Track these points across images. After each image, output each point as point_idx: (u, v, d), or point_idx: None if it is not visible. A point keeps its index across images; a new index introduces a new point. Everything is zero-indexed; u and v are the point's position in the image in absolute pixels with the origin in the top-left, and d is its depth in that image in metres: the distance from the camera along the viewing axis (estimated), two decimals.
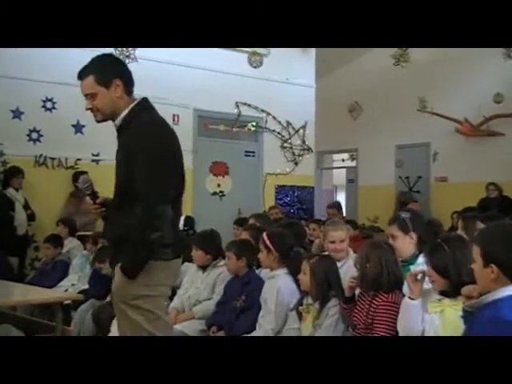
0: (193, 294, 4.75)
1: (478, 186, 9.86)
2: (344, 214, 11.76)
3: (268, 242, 4.19)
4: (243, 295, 4.30)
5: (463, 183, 10.75)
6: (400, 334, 3.18)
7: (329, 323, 3.63)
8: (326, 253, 4.24)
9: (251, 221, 5.89)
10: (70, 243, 7.07)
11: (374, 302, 3.41)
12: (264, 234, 4.28)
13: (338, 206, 8.83)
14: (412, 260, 3.82)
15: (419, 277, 3.09)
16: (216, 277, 4.72)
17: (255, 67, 9.68)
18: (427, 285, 3.17)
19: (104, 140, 7.87)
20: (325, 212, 9.29)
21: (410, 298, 3.11)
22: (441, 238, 3.26)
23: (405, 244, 3.88)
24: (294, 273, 4.00)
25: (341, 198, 15.21)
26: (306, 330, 3.72)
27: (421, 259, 3.71)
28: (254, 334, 4.05)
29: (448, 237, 3.29)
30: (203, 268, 4.83)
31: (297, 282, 3.96)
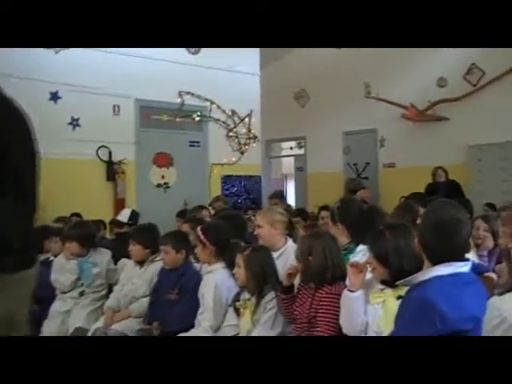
0: (129, 291, 4.54)
1: (425, 171, 9.87)
2: (292, 203, 11.71)
3: (202, 237, 4.02)
4: (177, 288, 4.14)
5: (411, 168, 10.77)
6: (343, 328, 3.07)
7: (267, 317, 3.49)
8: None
9: (193, 213, 5.71)
10: None
11: (316, 294, 3.27)
12: (198, 228, 4.11)
13: (279, 195, 8.64)
14: (351, 249, 3.73)
15: (362, 268, 2.98)
16: (154, 272, 4.50)
17: (193, 53, 9.39)
18: (369, 274, 3.06)
19: (40, 133, 7.69)
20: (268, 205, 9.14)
21: (349, 290, 2.99)
22: (384, 225, 3.15)
23: (337, 234, 3.84)
24: (232, 267, 3.84)
25: (291, 186, 15.12)
26: (245, 326, 3.56)
27: (360, 248, 3.64)
28: (192, 332, 3.88)
29: (391, 224, 3.17)
30: (140, 263, 4.63)
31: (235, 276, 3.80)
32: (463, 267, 2.31)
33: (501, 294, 2.68)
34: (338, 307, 3.13)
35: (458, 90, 10.12)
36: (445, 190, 9.15)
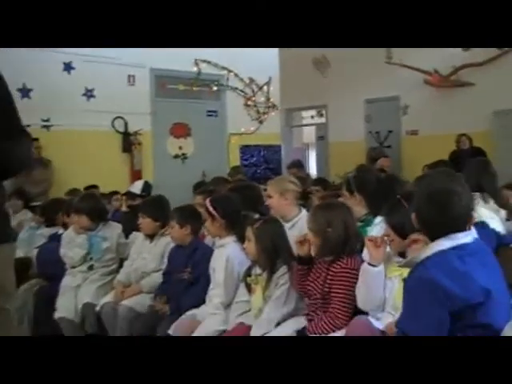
0: (140, 266, 4.40)
1: (449, 138, 9.63)
2: (313, 173, 11.52)
3: (211, 209, 3.84)
4: (189, 266, 3.97)
5: (434, 136, 10.52)
6: (358, 303, 2.93)
7: (279, 293, 3.33)
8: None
9: (212, 185, 5.55)
10: (23, 215, 6.68)
11: (331, 268, 3.09)
12: (207, 201, 3.93)
13: (298, 164, 8.44)
14: (368, 221, 3.57)
15: (381, 242, 2.83)
16: (164, 246, 4.36)
17: None
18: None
19: (54, 105, 7.57)
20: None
21: (370, 264, 2.84)
22: (400, 194, 2.98)
23: (353, 204, 3.67)
24: (244, 240, 3.68)
25: (312, 155, 14.91)
26: (257, 302, 3.41)
27: (378, 220, 3.48)
28: (202, 309, 3.77)
29: (408, 193, 2.97)
30: (151, 237, 4.49)
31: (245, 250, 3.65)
32: (465, 237, 2.16)
33: None
34: (354, 282, 2.99)
35: (483, 55, 9.77)
36: (469, 157, 8.89)
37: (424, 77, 10.64)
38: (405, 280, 2.44)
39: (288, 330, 3.17)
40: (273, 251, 3.39)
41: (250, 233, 3.44)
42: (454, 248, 2.12)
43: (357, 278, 2.97)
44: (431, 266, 2.09)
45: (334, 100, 12.18)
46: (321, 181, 7.27)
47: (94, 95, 8.10)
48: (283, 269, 3.37)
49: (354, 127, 11.93)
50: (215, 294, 3.71)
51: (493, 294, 2.05)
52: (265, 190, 8.29)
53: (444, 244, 2.13)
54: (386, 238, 2.85)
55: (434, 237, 2.18)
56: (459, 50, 10.00)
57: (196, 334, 3.55)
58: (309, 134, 14.90)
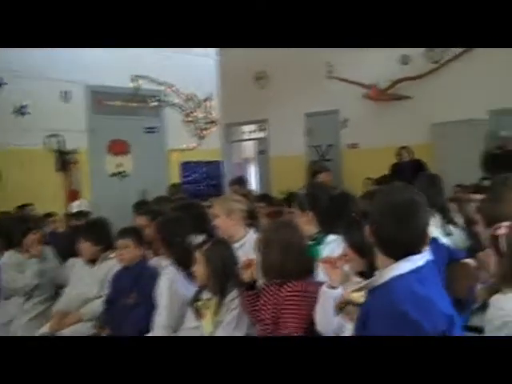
0: (80, 293, 4.16)
1: (389, 151, 9.66)
2: (254, 188, 11.42)
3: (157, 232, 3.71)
4: (134, 290, 3.77)
5: (374, 149, 10.56)
6: (317, 326, 2.79)
7: (230, 318, 3.18)
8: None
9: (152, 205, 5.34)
10: None
11: (280, 292, 2.95)
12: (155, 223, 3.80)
13: (239, 181, 8.31)
14: (320, 240, 3.44)
15: (338, 262, 2.69)
16: (107, 271, 4.13)
17: None
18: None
19: None
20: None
21: (329, 286, 2.69)
22: (357, 211, 2.86)
23: (304, 223, 3.59)
24: (183, 264, 3.55)
25: (253, 170, 14.81)
26: (207, 328, 3.23)
27: (330, 238, 3.39)
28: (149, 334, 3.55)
29: (366, 211, 2.86)
30: (92, 262, 4.26)
31: (187, 274, 3.50)
32: (421, 260, 2.02)
33: (490, 287, 2.42)
34: (305, 305, 2.87)
35: (420, 69, 9.90)
36: (410, 169, 8.98)
37: (363, 91, 10.70)
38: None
39: None
40: (223, 274, 3.24)
41: (199, 255, 3.26)
42: (412, 272, 1.98)
43: (309, 302, 2.85)
44: (396, 295, 1.93)
45: (274, 114, 12.11)
46: (265, 197, 7.13)
47: (27, 112, 7.75)
48: (234, 293, 3.22)
49: (294, 141, 11.87)
50: (159, 317, 3.52)
51: (455, 320, 1.93)
52: (208, 207, 8.13)
53: (404, 266, 1.99)
54: (344, 257, 2.71)
55: (391, 256, 2.02)
56: (397, 63, 10.12)
57: None
58: (249, 149, 14.78)
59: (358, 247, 2.66)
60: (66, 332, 3.94)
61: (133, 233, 4.01)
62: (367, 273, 2.65)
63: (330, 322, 2.71)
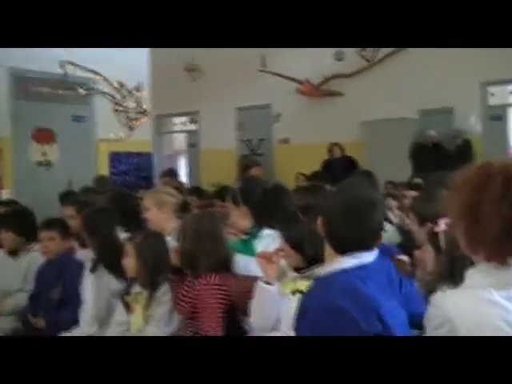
0: (1, 286, 3.95)
1: (321, 147, 9.75)
2: (185, 181, 11.27)
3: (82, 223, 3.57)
4: (59, 284, 3.61)
5: (306, 144, 10.62)
6: (252, 323, 2.74)
7: (161, 312, 3.09)
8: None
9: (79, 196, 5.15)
10: None
11: (195, 284, 2.91)
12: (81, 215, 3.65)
13: (170, 173, 8.20)
14: (254, 234, 3.38)
15: (275, 257, 2.64)
16: (30, 263, 3.97)
17: None
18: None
19: None
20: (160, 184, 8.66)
21: (265, 282, 2.64)
22: (296, 206, 2.81)
23: (237, 216, 3.51)
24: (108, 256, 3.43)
25: (183, 163, 14.64)
26: (136, 322, 3.12)
27: (266, 233, 3.33)
28: (76, 331, 3.40)
29: (304, 206, 2.81)
30: (14, 253, 4.06)
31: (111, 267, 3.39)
32: (369, 257, 1.98)
33: (427, 284, 2.41)
34: (221, 299, 2.85)
35: (352, 66, 10.02)
36: (341, 166, 9.10)
37: (296, 86, 10.72)
38: (297, 292, 2.34)
39: None
40: (154, 267, 3.13)
41: (129, 248, 3.14)
42: (357, 268, 1.94)
43: (223, 296, 2.85)
44: (337, 290, 1.88)
45: (206, 107, 12.00)
46: (196, 190, 7.06)
47: None
48: (165, 287, 3.12)
49: (225, 135, 11.80)
50: (85, 309, 3.39)
51: (390, 324, 1.88)
52: (138, 199, 7.94)
53: (349, 262, 1.95)
54: (280, 252, 2.65)
55: (340, 251, 1.98)
56: (331, 59, 10.19)
57: None
58: (180, 141, 14.60)
59: (295, 242, 2.59)
60: None
61: (58, 224, 3.86)
62: (304, 268, 2.61)
63: (267, 317, 2.66)
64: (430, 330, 1.61)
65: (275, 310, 2.64)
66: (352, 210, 1.96)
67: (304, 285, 2.58)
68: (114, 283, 3.39)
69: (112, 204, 4.08)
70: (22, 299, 3.87)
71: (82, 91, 8.82)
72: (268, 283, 2.63)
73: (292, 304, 2.59)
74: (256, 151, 11.70)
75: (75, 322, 3.47)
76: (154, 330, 3.06)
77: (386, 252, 3.42)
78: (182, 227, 3.05)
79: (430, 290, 2.26)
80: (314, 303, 1.95)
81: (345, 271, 1.93)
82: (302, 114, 10.80)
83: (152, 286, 3.13)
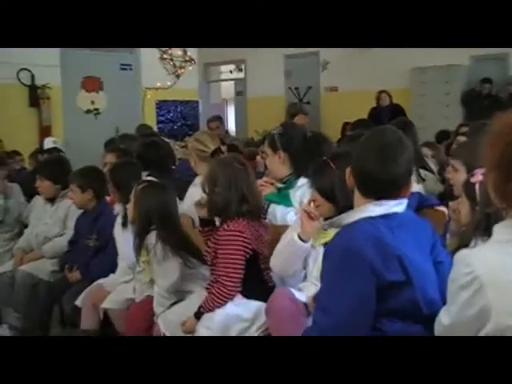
0: (41, 231, 4.13)
1: (368, 95, 9.60)
2: (231, 128, 11.32)
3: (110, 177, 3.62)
4: (94, 233, 3.75)
5: (353, 92, 10.51)
6: (273, 267, 2.74)
7: (159, 265, 3.09)
8: None
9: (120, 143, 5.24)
10: None
11: (218, 232, 2.89)
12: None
13: (218, 118, 8.22)
14: (290, 183, 3.35)
15: (315, 216, 2.57)
16: (67, 209, 4.11)
17: None
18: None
19: None
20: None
21: (300, 238, 2.58)
22: (328, 155, 2.77)
23: (274, 163, 3.43)
24: None
25: (231, 111, 14.66)
26: (144, 276, 3.21)
27: (301, 182, 3.28)
28: (111, 277, 3.58)
29: (336, 154, 2.78)
30: (51, 201, 4.20)
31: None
32: (397, 206, 1.98)
33: (461, 237, 2.38)
34: (240, 246, 2.78)
35: None
36: (389, 114, 8.92)
37: None
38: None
39: (190, 309, 2.95)
40: (145, 217, 3.13)
41: (133, 194, 3.20)
42: (383, 216, 1.95)
43: (243, 242, 2.78)
44: (359, 235, 1.91)
45: (253, 54, 11.92)
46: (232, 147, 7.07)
47: None
48: (153, 236, 3.10)
49: (273, 83, 11.75)
50: (121, 259, 3.51)
51: (413, 274, 1.89)
52: (183, 146, 8.06)
53: (374, 210, 1.96)
54: (312, 203, 2.63)
55: (371, 194, 1.99)
56: None
57: (106, 304, 3.38)
58: (227, 90, 14.60)
59: (325, 191, 2.57)
60: (26, 267, 3.94)
61: (77, 176, 3.92)
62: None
63: (289, 268, 2.67)
64: (456, 291, 1.53)
65: (299, 263, 2.66)
66: (379, 153, 1.96)
67: (333, 234, 2.61)
68: None
69: (142, 153, 4.17)
70: (61, 243, 4.03)
71: None
72: (302, 240, 2.58)
73: (320, 255, 2.62)
74: (303, 99, 11.63)
75: (110, 270, 3.63)
76: (159, 284, 3.11)
77: (424, 202, 3.42)
78: (210, 173, 2.96)
79: (464, 243, 2.24)
80: (334, 247, 1.99)
81: (370, 218, 1.95)
82: (350, 61, 10.64)
83: (139, 235, 3.13)
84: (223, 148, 4.10)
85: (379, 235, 1.90)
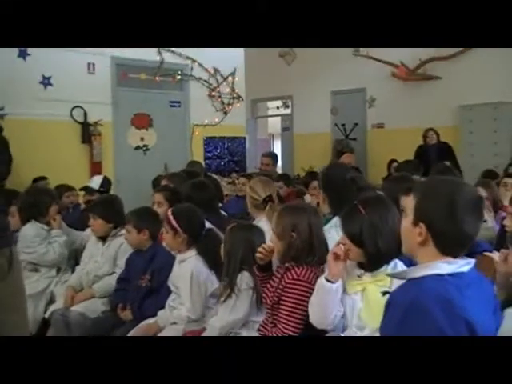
0: (92, 269, 4.21)
1: (415, 132, 9.54)
2: (279, 165, 11.36)
3: (174, 223, 3.58)
4: (148, 273, 3.78)
5: (400, 129, 10.47)
6: (311, 319, 2.72)
7: (227, 302, 3.18)
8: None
9: (164, 182, 5.31)
10: None
11: (284, 277, 2.89)
12: (169, 212, 3.66)
13: (273, 155, 8.29)
14: (326, 220, 3.40)
15: (343, 255, 2.59)
16: (118, 248, 4.18)
17: None
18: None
19: (8, 93, 7.24)
20: (258, 164, 8.77)
21: (327, 280, 2.60)
22: (359, 199, 2.77)
23: (321, 202, 3.57)
24: (206, 252, 3.53)
25: (277, 146, 14.75)
26: None
27: (334, 220, 3.32)
28: (163, 313, 3.60)
29: (366, 198, 2.78)
30: (103, 239, 4.28)
31: (210, 262, 3.50)
32: (465, 266, 1.90)
33: (509, 290, 2.31)
34: (305, 295, 2.79)
35: (450, 49, 9.70)
36: (436, 152, 8.85)
37: (391, 69, 10.56)
38: (386, 293, 2.25)
39: None
40: (236, 258, 3.20)
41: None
42: (452, 275, 1.86)
43: (309, 291, 2.78)
44: (426, 291, 1.83)
45: (299, 91, 12.04)
46: (284, 176, 7.13)
47: (51, 83, 7.76)
48: (244, 276, 3.20)
49: (319, 119, 11.81)
50: (183, 309, 3.51)
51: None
52: (230, 183, 8.12)
53: (443, 268, 1.87)
54: (342, 246, 2.64)
55: (447, 253, 1.91)
56: None
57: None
58: (274, 125, 14.73)
59: (356, 236, 2.57)
60: (78, 308, 3.99)
61: (133, 216, 3.97)
62: (366, 264, 2.61)
63: (325, 315, 2.65)
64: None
65: (335, 309, 2.63)
66: (456, 209, 1.85)
67: (368, 281, 2.61)
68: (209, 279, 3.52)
69: (191, 193, 4.25)
70: (111, 282, 4.08)
71: (178, 77, 9.04)
72: (330, 281, 2.59)
73: (357, 303, 2.62)
74: (350, 136, 11.63)
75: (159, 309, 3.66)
76: (218, 317, 3.19)
77: (475, 248, 3.35)
78: (292, 220, 2.91)
79: (510, 296, 2.19)
80: (401, 299, 1.90)
81: (439, 276, 1.86)
82: (396, 98, 10.64)
83: (228, 275, 3.19)
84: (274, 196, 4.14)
85: (447, 294, 1.81)
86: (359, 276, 2.64)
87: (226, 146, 9.68)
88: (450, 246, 1.90)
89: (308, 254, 2.87)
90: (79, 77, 7.98)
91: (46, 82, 7.72)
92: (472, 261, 1.94)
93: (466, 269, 1.90)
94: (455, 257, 1.90)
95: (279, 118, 13.64)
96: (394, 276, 2.29)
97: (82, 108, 8.04)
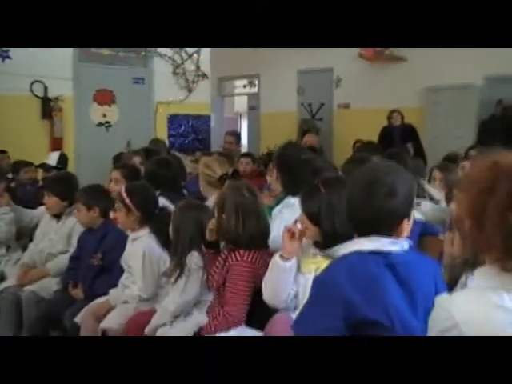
0: (45, 247, 4.11)
1: (381, 113, 9.53)
2: (244, 142, 11.30)
3: (128, 200, 3.49)
4: (99, 252, 3.71)
5: (366, 110, 10.47)
6: (264, 297, 2.69)
7: (178, 283, 3.14)
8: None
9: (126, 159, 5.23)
10: None
11: (228, 259, 2.88)
12: (122, 190, 3.57)
13: (236, 134, 8.20)
14: (279, 200, 3.40)
15: (299, 234, 2.56)
16: (72, 226, 4.08)
17: None
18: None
19: None
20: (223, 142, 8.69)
21: (281, 256, 2.57)
22: (320, 178, 2.75)
23: (273, 181, 3.58)
24: (158, 231, 3.47)
25: (245, 125, 14.68)
26: None
27: (289, 200, 3.34)
28: (114, 292, 3.54)
29: (327, 178, 2.75)
30: (57, 217, 4.18)
31: (162, 241, 3.44)
32: (391, 245, 1.89)
33: (452, 271, 2.30)
34: (250, 278, 2.81)
35: None
36: (400, 134, 8.88)
37: (358, 50, 10.51)
38: None
39: (188, 327, 2.98)
40: (186, 238, 3.16)
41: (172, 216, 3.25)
42: (374, 253, 1.87)
43: (254, 273, 2.80)
44: (342, 268, 1.86)
45: (266, 70, 11.94)
46: (247, 155, 7.07)
47: (9, 56, 7.55)
48: (193, 256, 3.15)
49: (286, 98, 11.75)
50: (135, 288, 3.46)
51: (397, 321, 1.80)
52: (193, 161, 8.06)
53: (364, 244, 1.90)
54: (299, 225, 2.61)
55: (358, 232, 1.95)
56: None
57: (105, 324, 3.36)
58: (242, 104, 14.63)
59: (314, 215, 2.54)
60: (32, 287, 3.91)
61: (83, 194, 3.89)
62: (321, 243, 2.58)
63: (279, 294, 2.63)
64: (436, 334, 1.50)
65: (287, 287, 2.61)
66: (365, 190, 1.90)
67: (325, 263, 2.57)
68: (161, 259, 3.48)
69: (154, 171, 4.19)
70: (65, 261, 3.98)
71: (142, 53, 8.88)
72: (285, 259, 2.57)
73: (309, 282, 2.59)
74: (316, 116, 11.61)
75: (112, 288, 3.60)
76: (170, 299, 3.16)
77: (426, 231, 3.36)
78: (221, 199, 2.96)
79: (453, 277, 2.18)
80: (316, 279, 1.97)
81: (359, 253, 1.89)
82: (363, 78, 10.62)
83: (177, 255, 3.17)
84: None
85: (365, 271, 1.84)
86: (314, 255, 2.61)
87: (190, 124, 9.56)
88: (359, 226, 1.96)
89: (238, 235, 2.86)
90: (39, 50, 7.71)
91: (4, 55, 7.52)
92: (404, 242, 1.93)
93: (394, 248, 1.90)
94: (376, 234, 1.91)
95: (246, 96, 13.54)
96: (326, 256, 2.35)
97: (42, 82, 7.86)
